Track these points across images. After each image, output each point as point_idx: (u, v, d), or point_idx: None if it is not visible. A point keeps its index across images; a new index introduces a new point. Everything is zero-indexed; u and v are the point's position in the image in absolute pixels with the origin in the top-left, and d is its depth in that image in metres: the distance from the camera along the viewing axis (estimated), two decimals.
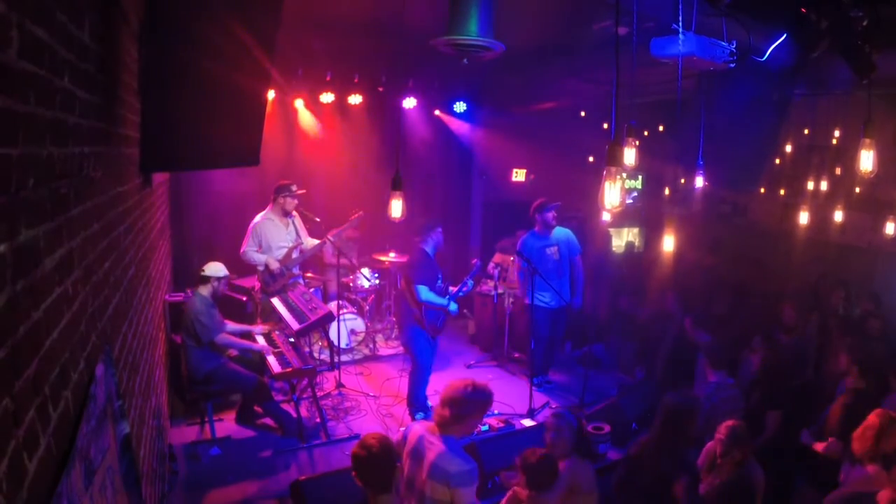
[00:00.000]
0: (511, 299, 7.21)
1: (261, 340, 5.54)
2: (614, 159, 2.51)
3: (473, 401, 2.92)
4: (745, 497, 3.32)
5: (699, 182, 4.75)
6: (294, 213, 6.30)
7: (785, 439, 4.23)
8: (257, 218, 6.19)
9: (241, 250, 6.08)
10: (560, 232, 6.38)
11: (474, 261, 6.17)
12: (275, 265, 6.03)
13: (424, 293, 5.32)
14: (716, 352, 4.57)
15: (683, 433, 3.51)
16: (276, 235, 6.16)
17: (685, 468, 3.48)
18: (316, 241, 6.35)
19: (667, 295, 6.63)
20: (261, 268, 6.09)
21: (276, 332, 5.68)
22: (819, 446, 3.91)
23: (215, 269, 5.15)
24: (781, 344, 5.39)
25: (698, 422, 3.79)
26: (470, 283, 5.73)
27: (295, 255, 6.21)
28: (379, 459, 2.67)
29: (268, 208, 6.23)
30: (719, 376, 4.43)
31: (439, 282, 5.50)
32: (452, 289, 5.56)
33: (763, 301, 6.69)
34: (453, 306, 5.49)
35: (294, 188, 6.15)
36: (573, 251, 6.42)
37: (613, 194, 2.49)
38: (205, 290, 5.08)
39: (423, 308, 5.37)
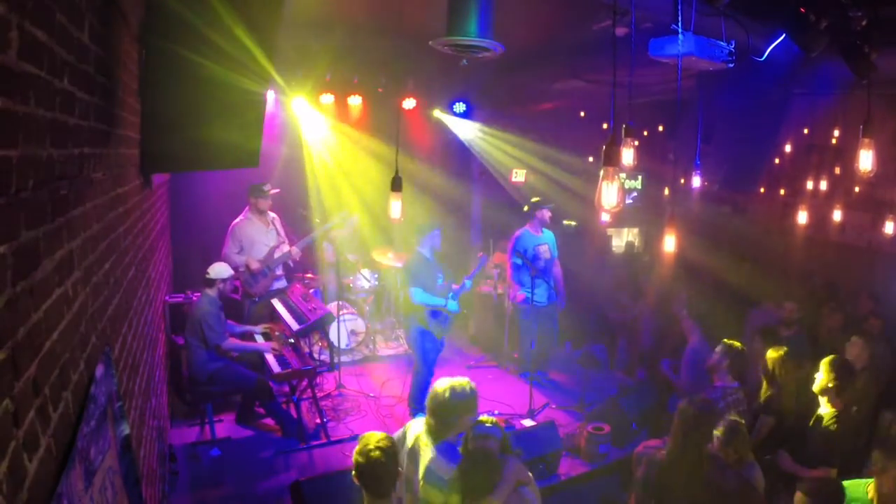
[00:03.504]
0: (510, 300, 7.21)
1: (259, 340, 5.55)
2: (611, 159, 2.52)
3: (455, 405, 2.81)
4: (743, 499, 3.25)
5: (696, 182, 4.76)
6: (273, 214, 6.30)
7: (773, 449, 4.17)
8: (236, 220, 6.17)
9: (223, 254, 6.00)
10: (547, 233, 6.58)
11: (480, 255, 6.18)
12: (255, 264, 5.99)
13: (418, 296, 5.32)
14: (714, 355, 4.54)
15: (705, 439, 3.30)
16: (256, 234, 6.13)
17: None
18: (291, 248, 6.26)
19: (678, 296, 6.61)
20: (241, 269, 5.98)
21: (277, 332, 5.68)
22: (810, 473, 3.76)
23: (219, 270, 5.17)
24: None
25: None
26: (470, 280, 5.73)
27: (277, 254, 6.18)
28: (381, 467, 2.48)
29: (245, 210, 6.22)
30: (724, 381, 4.40)
31: (440, 280, 5.49)
32: (455, 286, 5.55)
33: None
34: (452, 304, 5.47)
35: (266, 188, 6.16)
36: (553, 254, 6.59)
37: (611, 194, 2.49)
38: (212, 292, 5.11)
39: (425, 309, 5.37)
